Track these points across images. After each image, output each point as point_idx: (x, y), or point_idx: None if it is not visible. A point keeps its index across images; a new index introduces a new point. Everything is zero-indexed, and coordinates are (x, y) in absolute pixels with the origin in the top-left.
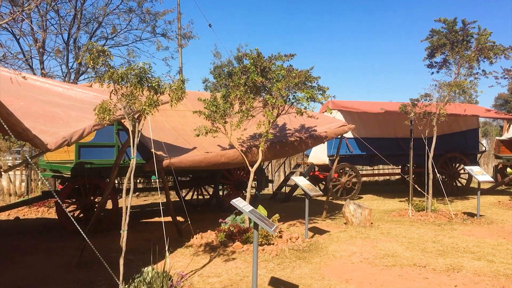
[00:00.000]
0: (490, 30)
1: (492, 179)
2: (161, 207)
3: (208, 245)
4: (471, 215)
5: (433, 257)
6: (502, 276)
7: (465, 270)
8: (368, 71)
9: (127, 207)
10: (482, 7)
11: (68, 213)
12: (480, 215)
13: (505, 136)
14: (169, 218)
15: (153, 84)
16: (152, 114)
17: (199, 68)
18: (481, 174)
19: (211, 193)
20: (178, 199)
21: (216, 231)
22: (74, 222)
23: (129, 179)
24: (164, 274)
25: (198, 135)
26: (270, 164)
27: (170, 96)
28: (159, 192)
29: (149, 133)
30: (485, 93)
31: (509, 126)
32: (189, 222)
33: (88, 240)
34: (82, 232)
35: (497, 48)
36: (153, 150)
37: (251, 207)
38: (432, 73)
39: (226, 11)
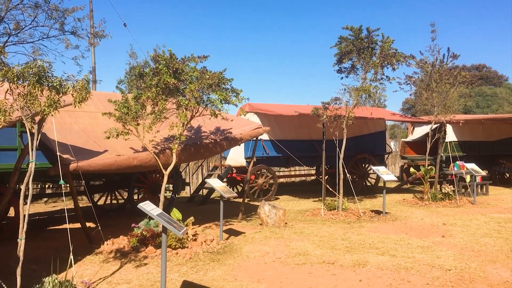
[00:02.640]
0: (393, 38)
1: (396, 178)
2: (66, 213)
3: (119, 251)
4: (378, 212)
5: (341, 254)
6: (402, 269)
7: (370, 265)
8: (287, 74)
9: (24, 214)
10: (390, 14)
11: None
12: (386, 213)
13: (410, 138)
14: (79, 225)
15: (54, 84)
16: (52, 115)
17: (116, 68)
18: (387, 173)
19: (125, 197)
20: (91, 204)
21: (128, 236)
22: None
23: (27, 184)
24: (67, 283)
25: (108, 137)
26: (187, 167)
27: (73, 96)
28: (63, 197)
29: (55, 135)
30: (392, 97)
31: (413, 128)
32: (100, 228)
33: None
34: None
35: (399, 55)
36: (58, 153)
37: (160, 211)
38: (342, 77)
39: (143, 10)
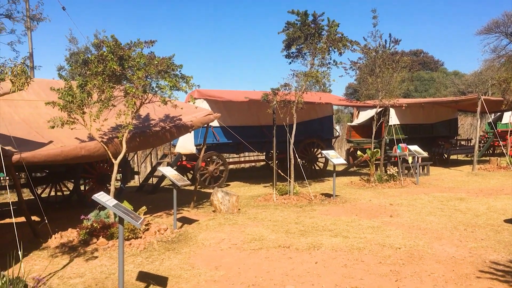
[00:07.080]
0: (338, 22)
1: (345, 162)
2: (11, 207)
3: (68, 244)
4: (328, 195)
5: (296, 237)
6: (355, 249)
7: (324, 247)
8: (234, 60)
9: None
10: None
11: None
12: (336, 195)
13: (355, 122)
14: (23, 219)
15: None
16: None
17: (55, 54)
18: (336, 157)
19: (71, 188)
20: (34, 197)
21: (77, 229)
22: None
23: None
24: (17, 281)
25: (53, 127)
26: (135, 155)
27: (13, 82)
28: (8, 190)
29: None
30: (337, 82)
31: (359, 113)
32: (46, 221)
33: None
34: None
35: (345, 39)
36: None
37: (116, 201)
38: (290, 63)
39: None
